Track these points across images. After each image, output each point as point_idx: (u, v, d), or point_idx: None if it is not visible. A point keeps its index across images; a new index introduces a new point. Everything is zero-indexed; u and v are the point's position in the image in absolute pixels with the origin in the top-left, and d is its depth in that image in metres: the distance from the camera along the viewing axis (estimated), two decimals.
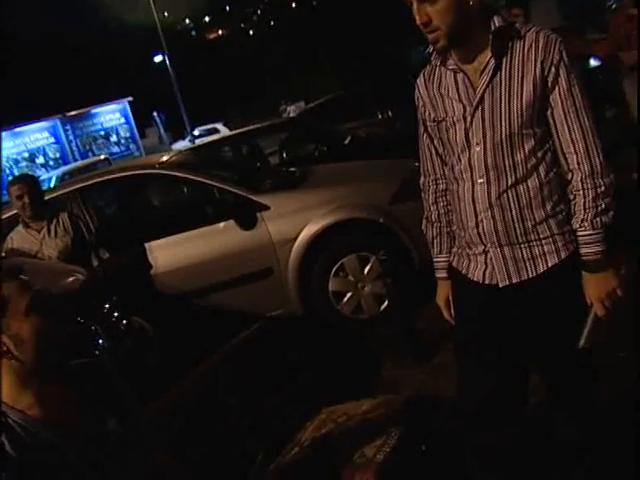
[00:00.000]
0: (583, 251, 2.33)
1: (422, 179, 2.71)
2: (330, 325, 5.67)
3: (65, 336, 2.06)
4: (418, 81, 2.57)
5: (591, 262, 2.31)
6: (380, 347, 5.10)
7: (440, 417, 3.03)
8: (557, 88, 2.28)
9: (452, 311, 2.70)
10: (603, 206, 2.28)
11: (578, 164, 2.30)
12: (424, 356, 4.65)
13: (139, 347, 4.32)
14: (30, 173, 8.99)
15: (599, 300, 2.31)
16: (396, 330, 4.99)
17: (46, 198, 5.65)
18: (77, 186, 6.13)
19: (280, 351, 4.20)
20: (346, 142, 10.41)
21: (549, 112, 2.31)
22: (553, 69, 2.25)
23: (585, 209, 2.29)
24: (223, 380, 3.55)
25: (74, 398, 2.08)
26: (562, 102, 2.28)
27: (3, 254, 5.39)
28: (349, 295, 5.66)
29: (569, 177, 2.34)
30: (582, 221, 2.31)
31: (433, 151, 2.62)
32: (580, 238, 2.33)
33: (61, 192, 6.12)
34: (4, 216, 5.88)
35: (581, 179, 2.30)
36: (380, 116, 12.57)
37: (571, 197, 2.35)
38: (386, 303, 5.55)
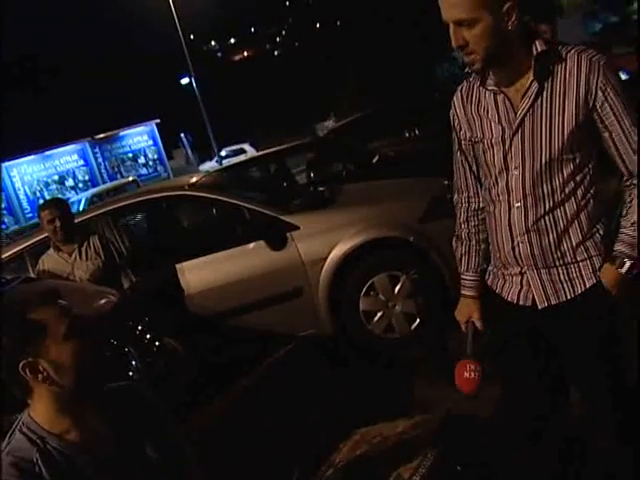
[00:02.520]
0: (619, 248, 2.32)
1: (455, 196, 2.70)
2: (361, 345, 5.64)
3: (104, 361, 2.06)
4: (455, 99, 2.56)
5: (618, 260, 2.30)
6: (412, 367, 5.06)
7: (475, 437, 3.00)
8: (609, 110, 2.24)
9: (475, 325, 2.66)
10: None
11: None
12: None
13: (172, 368, 4.32)
14: (60, 197, 9.09)
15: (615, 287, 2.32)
16: (428, 349, 4.95)
17: (76, 221, 5.70)
18: (107, 208, 6.18)
19: (313, 372, 4.19)
20: (374, 161, 10.41)
21: (606, 135, 2.28)
22: (600, 93, 2.22)
23: None
24: (256, 401, 3.53)
25: (110, 422, 2.08)
26: (619, 122, 2.25)
27: (35, 276, 5.45)
28: (380, 314, 5.63)
29: (627, 181, 2.32)
30: (633, 224, 2.30)
31: (467, 168, 2.60)
32: (623, 236, 2.32)
33: (91, 215, 6.17)
34: (37, 239, 5.95)
35: None
36: (407, 134, 12.57)
37: (627, 198, 2.34)
38: (417, 322, 5.52)
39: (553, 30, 6.55)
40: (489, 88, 2.38)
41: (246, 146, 36.77)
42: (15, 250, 6.26)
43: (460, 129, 2.55)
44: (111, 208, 6.18)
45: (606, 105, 2.23)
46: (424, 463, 2.74)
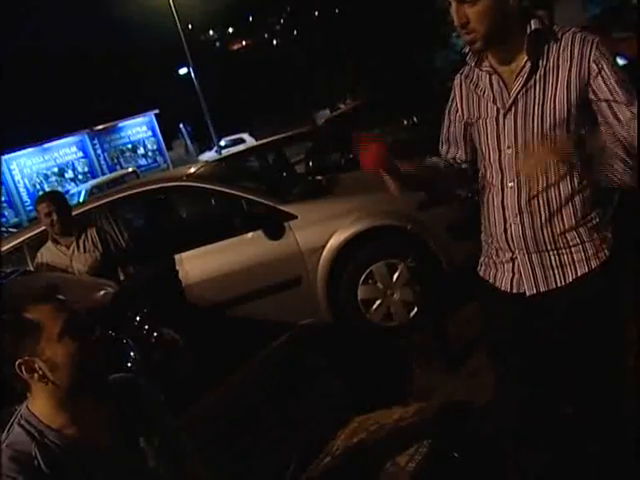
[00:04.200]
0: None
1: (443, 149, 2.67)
2: (360, 333, 5.66)
3: (101, 357, 2.05)
4: (455, 81, 2.57)
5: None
6: (411, 354, 5.08)
7: (472, 424, 3.01)
8: (601, 83, 2.22)
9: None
10: None
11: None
12: (455, 362, 4.63)
13: (170, 359, 4.33)
14: (57, 189, 9.10)
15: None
16: (426, 337, 4.97)
17: (74, 213, 5.70)
18: (105, 200, 6.18)
19: (311, 360, 4.20)
20: None
21: (604, 105, 2.24)
22: (594, 65, 2.21)
23: None
24: (254, 390, 3.55)
25: (108, 415, 2.08)
26: (614, 92, 2.21)
27: (34, 269, 5.46)
28: (378, 302, 5.65)
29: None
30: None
31: (459, 136, 2.60)
32: None
33: (89, 207, 6.17)
34: (36, 231, 5.96)
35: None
36: (405, 122, 12.53)
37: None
38: (416, 310, 5.54)
39: (551, 15, 6.51)
40: (484, 69, 2.40)
41: (245, 136, 36.70)
42: (14, 243, 6.27)
43: (457, 110, 2.56)
44: (109, 200, 6.18)
45: (599, 78, 2.22)
46: (420, 450, 2.75)
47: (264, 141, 12.99)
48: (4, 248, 6.27)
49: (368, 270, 5.62)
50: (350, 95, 33.30)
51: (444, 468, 2.74)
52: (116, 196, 6.27)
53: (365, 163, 2.34)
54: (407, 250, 5.53)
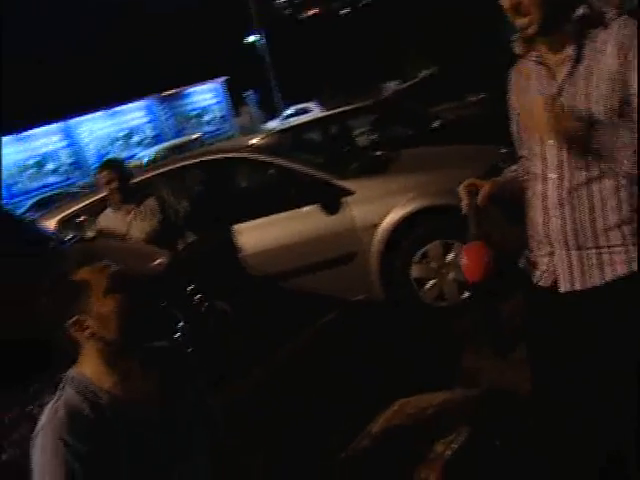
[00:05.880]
0: None
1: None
2: (411, 312, 5.64)
3: (147, 314, 2.12)
4: (510, 75, 2.49)
5: None
6: (461, 336, 5.04)
7: (515, 413, 2.97)
8: None
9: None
10: None
11: None
12: (505, 349, 4.56)
13: (220, 330, 4.39)
14: (118, 157, 9.25)
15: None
16: (478, 320, 4.91)
17: (134, 181, 5.79)
18: (164, 169, 6.27)
19: (360, 338, 4.19)
20: (435, 125, 10.25)
21: None
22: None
23: None
24: (301, 366, 3.57)
25: (154, 380, 2.14)
26: None
27: (93, 235, 5.58)
28: (432, 282, 5.62)
29: None
30: None
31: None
32: None
33: (149, 175, 6.26)
34: (98, 197, 6.08)
35: None
36: (471, 98, 12.26)
37: None
38: (468, 291, 5.48)
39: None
40: (531, 58, 2.31)
41: (312, 105, 36.59)
42: (77, 207, 6.42)
43: (513, 107, 2.50)
44: (168, 169, 6.27)
45: None
46: (458, 438, 2.73)
47: (328, 112, 12.92)
48: (68, 212, 6.43)
49: (423, 249, 5.58)
50: (422, 67, 32.87)
51: (482, 458, 2.72)
52: (176, 165, 6.35)
53: (470, 275, 2.43)
54: (464, 230, 5.46)
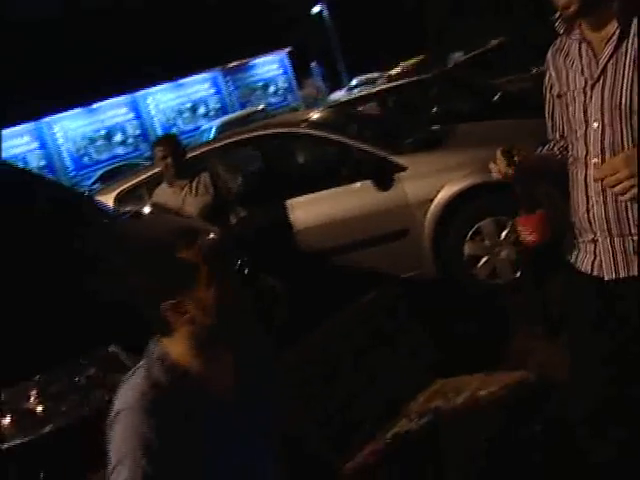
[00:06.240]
0: None
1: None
2: (463, 289, 5.60)
3: (243, 297, 2.03)
4: (549, 53, 2.43)
5: None
6: (512, 315, 4.98)
7: (553, 402, 2.92)
8: None
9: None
10: None
11: None
12: (555, 330, 4.50)
13: (268, 305, 4.42)
14: (173, 133, 9.34)
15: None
16: (530, 300, 4.85)
17: (189, 156, 5.86)
18: (219, 144, 6.33)
19: (404, 315, 4.16)
20: (496, 98, 10.06)
21: None
22: None
23: None
24: (339, 342, 3.56)
25: (236, 361, 2.06)
26: None
27: (150, 209, 5.67)
28: (485, 259, 5.57)
29: None
30: None
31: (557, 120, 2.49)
32: None
33: (204, 150, 6.32)
34: (150, 173, 6.18)
35: None
36: (535, 70, 11.98)
37: None
38: (522, 269, 5.41)
39: None
40: (574, 38, 2.25)
41: (377, 75, 36.20)
42: (135, 181, 6.54)
43: (549, 82, 2.44)
44: (223, 144, 6.32)
45: None
46: (493, 424, 2.71)
47: (389, 85, 12.80)
48: (126, 186, 6.55)
49: (476, 226, 5.53)
50: (488, 38, 32.23)
51: (515, 444, 2.70)
52: (230, 140, 6.40)
53: (529, 241, 2.47)
54: (517, 208, 5.39)
